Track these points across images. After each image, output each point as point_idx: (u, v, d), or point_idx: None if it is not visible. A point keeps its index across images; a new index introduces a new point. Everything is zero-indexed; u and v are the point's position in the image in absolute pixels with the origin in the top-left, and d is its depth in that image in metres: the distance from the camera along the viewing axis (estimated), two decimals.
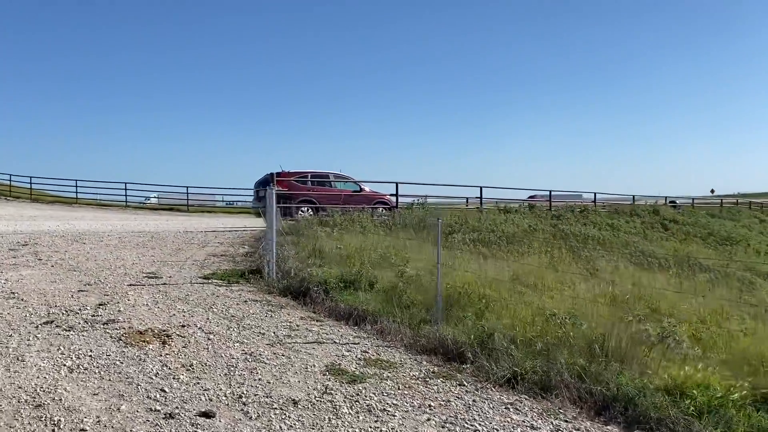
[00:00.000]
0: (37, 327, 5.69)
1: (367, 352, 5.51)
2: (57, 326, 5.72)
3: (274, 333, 5.92)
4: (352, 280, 7.95)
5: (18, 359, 4.76)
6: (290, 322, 6.43)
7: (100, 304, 6.67)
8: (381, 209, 19.92)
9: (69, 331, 5.58)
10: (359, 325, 6.53)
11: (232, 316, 6.48)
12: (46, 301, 6.78)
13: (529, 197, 37.69)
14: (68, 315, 6.16)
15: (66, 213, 26.78)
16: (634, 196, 31.74)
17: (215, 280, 8.52)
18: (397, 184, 20.03)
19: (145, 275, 8.74)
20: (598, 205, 27.91)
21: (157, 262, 10.15)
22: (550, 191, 27.37)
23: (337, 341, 5.81)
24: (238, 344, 5.46)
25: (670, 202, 34.63)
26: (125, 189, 34.84)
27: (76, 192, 34.72)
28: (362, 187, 20.39)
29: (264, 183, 19.84)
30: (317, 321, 6.57)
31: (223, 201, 42.00)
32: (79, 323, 5.86)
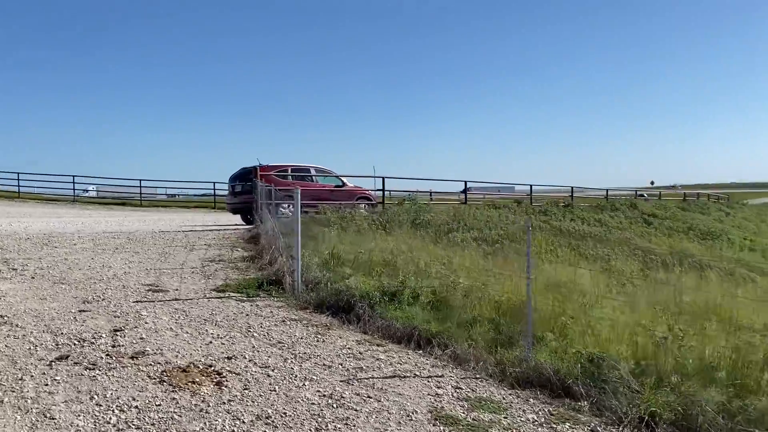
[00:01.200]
0: (50, 365, 4.59)
1: (460, 388, 4.65)
2: (75, 363, 4.64)
3: (341, 365, 4.99)
4: (393, 291, 7.05)
5: (44, 415, 3.71)
6: (348, 348, 5.49)
7: (116, 330, 5.58)
8: (364, 205, 18.97)
9: (93, 369, 4.52)
10: (424, 348, 5.64)
11: (279, 343, 5.50)
12: (47, 326, 5.64)
13: (464, 189, 36.90)
14: (83, 346, 5.06)
15: (12, 209, 24.88)
16: (572, 188, 31.30)
17: (232, 294, 7.47)
18: (384, 178, 19.13)
19: (146, 288, 7.62)
20: (548, 197, 27.60)
21: (150, 270, 9.00)
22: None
23: (418, 373, 4.92)
24: (308, 383, 4.51)
25: (639, 194, 34.87)
26: (73, 183, 32.84)
27: (18, 186, 32.53)
28: (344, 181, 19.37)
29: (240, 177, 18.60)
30: (378, 345, 5.65)
31: (165, 194, 40.30)
32: (102, 357, 4.79)
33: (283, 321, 6.28)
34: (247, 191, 17.95)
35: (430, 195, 26.48)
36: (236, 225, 17.98)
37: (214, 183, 34.52)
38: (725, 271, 14.69)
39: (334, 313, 6.69)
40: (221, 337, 5.54)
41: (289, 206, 17.69)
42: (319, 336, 5.81)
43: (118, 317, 6.08)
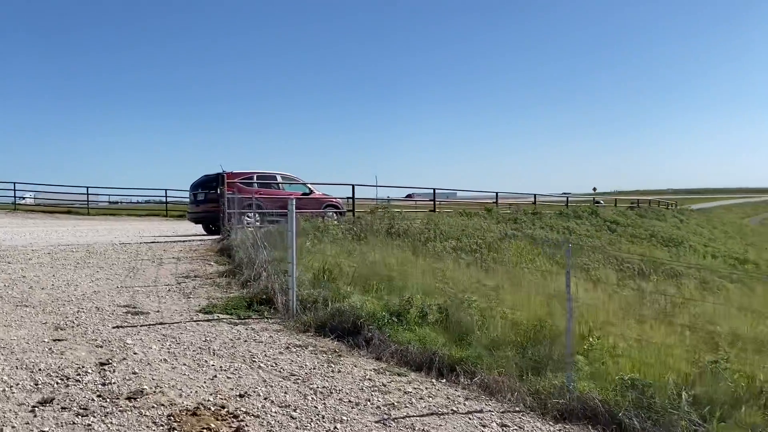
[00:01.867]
0: (33, 411, 3.91)
1: (506, 426, 4.18)
2: (63, 408, 3.97)
3: (368, 401, 4.45)
4: (398, 311, 6.54)
5: None
6: (369, 379, 4.96)
7: (102, 363, 4.89)
8: (332, 213, 18.39)
9: (86, 415, 3.86)
10: (447, 377, 5.17)
11: (292, 375, 4.91)
12: (19, 360, 4.91)
13: (407, 196, 36.65)
14: (68, 385, 4.38)
15: None
16: (535, 195, 31.35)
17: (221, 315, 6.82)
18: (353, 186, 18.59)
19: (124, 310, 6.89)
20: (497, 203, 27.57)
21: (121, 288, 8.25)
22: (434, 189, 25.83)
23: (455, 409, 4.43)
24: (339, 425, 3.96)
25: (595, 201, 35.36)
26: (14, 190, 31.09)
27: None
28: (311, 189, 18.73)
29: (202, 185, 17.75)
30: (399, 375, 5.14)
31: (108, 201, 38.70)
32: (93, 400, 4.12)
33: (288, 347, 5.69)
34: (211, 200, 17.12)
35: (388, 201, 26.12)
36: (199, 235, 17.14)
37: (166, 190, 33.24)
38: (699, 279, 14.74)
39: (340, 337, 6.13)
40: (225, 370, 4.92)
41: (255, 216, 16.99)
42: (332, 365, 5.25)
43: (101, 347, 5.38)
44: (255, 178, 17.81)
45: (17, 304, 7.05)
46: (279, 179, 18.34)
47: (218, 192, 17.13)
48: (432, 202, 21.91)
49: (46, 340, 5.54)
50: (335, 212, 18.58)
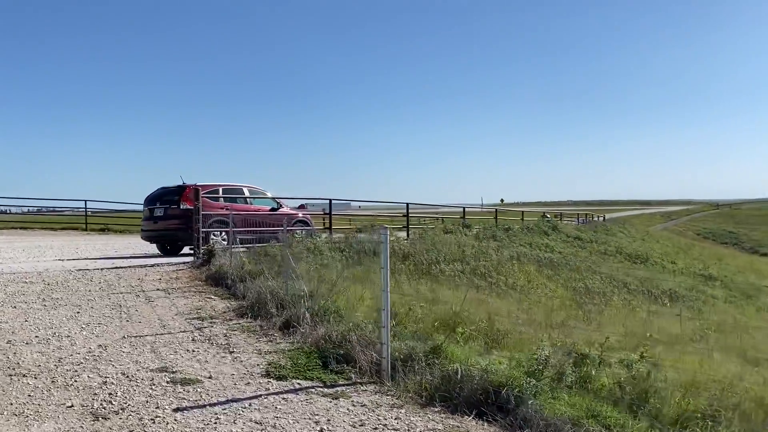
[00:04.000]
0: None
1: None
2: None
3: None
4: (531, 370, 5.19)
5: None
6: None
7: None
8: (301, 230, 16.72)
9: None
10: None
11: None
12: None
13: (299, 207, 34.63)
14: None
15: None
16: (497, 209, 30.51)
17: (300, 381, 5.20)
18: (330, 201, 17.01)
19: (163, 377, 5.14)
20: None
21: (131, 339, 6.44)
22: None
23: None
24: None
25: (542, 215, 35.11)
26: None
27: None
28: (280, 203, 16.97)
29: (160, 199, 15.59)
30: None
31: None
32: None
33: None
34: (171, 216, 15.03)
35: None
36: (154, 256, 15.06)
37: (86, 201, 30.01)
38: (701, 300, 14.30)
39: (479, 413, 4.70)
40: None
41: (221, 233, 15.10)
42: None
43: None
44: (221, 191, 15.88)
45: (8, 371, 5.16)
46: (246, 193, 16.48)
47: (180, 207, 15.11)
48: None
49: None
50: (305, 229, 16.94)
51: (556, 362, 5.33)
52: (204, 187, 15.27)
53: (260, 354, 6.01)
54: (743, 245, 75.18)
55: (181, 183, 15.56)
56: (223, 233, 15.10)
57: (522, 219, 28.31)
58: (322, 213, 21.38)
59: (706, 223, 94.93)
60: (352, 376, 5.43)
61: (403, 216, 19.66)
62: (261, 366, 5.58)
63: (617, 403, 4.86)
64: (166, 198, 15.39)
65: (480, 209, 46.23)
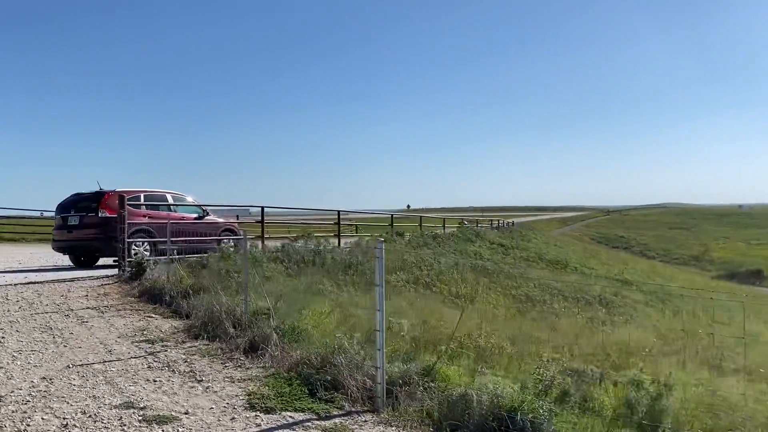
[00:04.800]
0: None
1: None
2: None
3: None
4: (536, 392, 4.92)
5: None
6: None
7: None
8: (228, 240, 15.85)
9: None
10: None
11: None
12: None
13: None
14: None
15: None
16: (421, 217, 30.71)
17: (292, 414, 4.64)
18: (262, 208, 16.25)
19: (133, 415, 4.46)
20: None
21: (78, 369, 5.67)
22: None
23: None
24: None
25: (460, 222, 35.47)
26: None
27: None
28: (206, 211, 16.01)
29: (75, 206, 14.29)
30: None
31: None
32: None
33: None
34: (88, 225, 13.81)
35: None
36: (66, 269, 13.79)
37: None
38: (629, 305, 14.75)
39: None
40: None
41: (143, 244, 14.04)
42: None
43: None
44: (143, 198, 14.75)
45: None
46: (170, 199, 15.41)
47: (98, 215, 13.91)
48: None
49: None
50: (233, 238, 16.09)
51: (558, 382, 5.11)
52: (125, 193, 14.15)
53: (233, 382, 5.41)
54: (633, 249, 79.78)
55: (98, 189, 14.38)
56: (146, 244, 14.08)
57: (444, 226, 28.50)
58: (237, 221, 20.39)
59: (599, 228, 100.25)
60: (344, 404, 4.95)
61: (335, 223, 19.14)
62: (240, 397, 5.00)
63: (626, 424, 4.68)
64: (81, 205, 14.14)
65: (407, 215, 46.25)
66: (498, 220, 50.06)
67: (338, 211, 18.65)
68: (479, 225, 36.60)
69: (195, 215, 15.70)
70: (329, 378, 5.30)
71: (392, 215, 28.88)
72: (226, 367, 5.93)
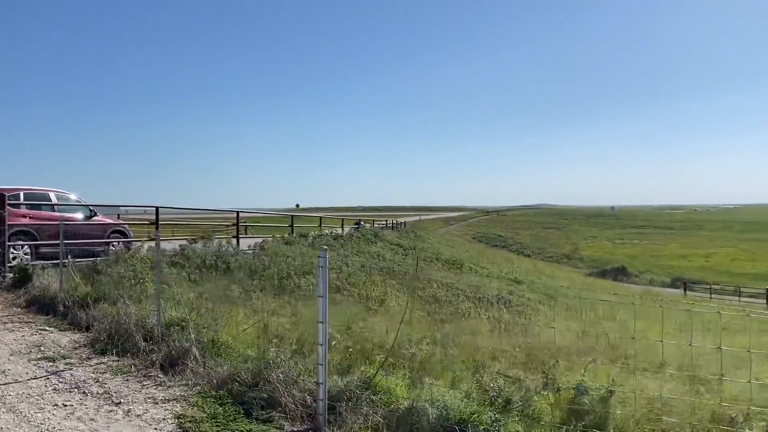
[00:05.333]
0: None
1: None
2: None
3: None
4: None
5: None
6: None
7: None
8: (118, 242, 14.79)
9: None
10: None
11: None
12: None
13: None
14: None
15: None
16: (323, 217, 30.42)
17: None
18: (157, 208, 15.27)
19: None
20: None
21: None
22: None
23: None
24: None
25: (355, 222, 35.39)
26: None
27: None
28: (93, 211, 14.82)
29: None
30: None
31: None
32: None
33: None
34: None
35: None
36: None
37: None
38: (527, 304, 15.30)
39: None
40: None
41: (23, 248, 12.81)
42: None
43: None
44: (22, 197, 13.40)
45: None
46: (53, 199, 14.12)
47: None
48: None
49: None
50: (123, 239, 15.03)
51: (503, 390, 5.09)
52: (4, 191, 12.80)
53: (157, 403, 4.95)
54: (510, 248, 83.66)
55: None
56: (26, 247, 12.84)
57: (342, 227, 28.31)
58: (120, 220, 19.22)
59: (479, 228, 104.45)
60: (284, 423, 4.67)
61: (233, 224, 18.41)
62: (169, 421, 4.57)
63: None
64: None
65: (297, 215, 45.45)
66: (393, 221, 50.69)
67: (237, 212, 17.97)
68: (375, 225, 36.85)
69: (82, 215, 14.54)
70: (265, 396, 4.98)
71: (293, 216, 28.23)
72: (144, 386, 5.43)
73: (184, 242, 15.21)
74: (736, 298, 38.65)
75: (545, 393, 5.16)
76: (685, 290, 43.60)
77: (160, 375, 5.73)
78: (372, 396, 4.97)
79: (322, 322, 4.79)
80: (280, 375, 5.10)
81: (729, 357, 7.02)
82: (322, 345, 4.77)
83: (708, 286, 44.73)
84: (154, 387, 5.41)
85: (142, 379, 5.64)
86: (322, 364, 4.76)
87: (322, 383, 4.75)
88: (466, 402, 4.77)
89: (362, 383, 5.16)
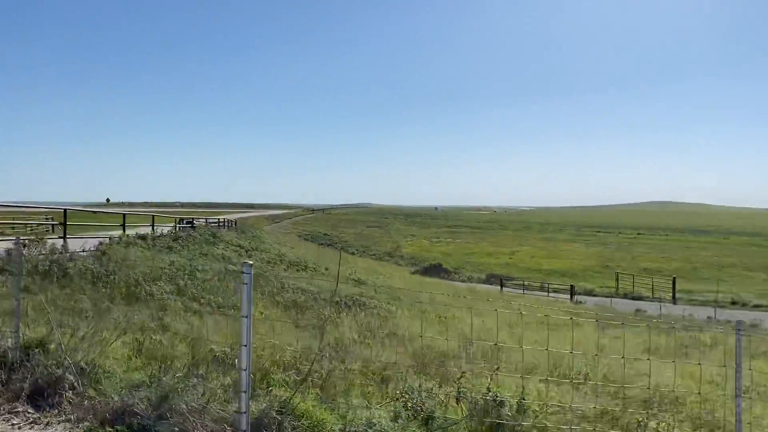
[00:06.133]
0: None
1: None
2: None
3: None
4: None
5: None
6: None
7: None
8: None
9: None
10: None
11: None
12: None
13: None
14: None
15: None
16: (158, 215, 27.81)
17: None
18: (65, 210, 13.18)
19: None
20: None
21: None
22: None
23: None
24: None
25: (187, 222, 33.27)
26: None
27: None
28: None
29: None
30: None
31: None
32: None
33: None
34: None
35: None
36: None
37: None
38: (381, 306, 15.44)
39: None
40: None
41: None
42: None
43: None
44: None
45: None
46: None
47: None
48: None
49: None
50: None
51: (426, 406, 5.00)
52: None
53: (41, 427, 4.19)
54: (336, 246, 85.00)
55: None
56: None
57: (176, 225, 26.51)
58: None
59: (305, 227, 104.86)
60: None
61: (53, 221, 16.38)
62: None
63: None
64: None
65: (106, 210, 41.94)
66: (225, 219, 48.81)
67: (65, 209, 16.00)
68: (204, 222, 35.15)
69: None
70: (177, 430, 4.42)
71: (124, 214, 25.05)
72: (13, 424, 4.57)
73: (9, 245, 13.28)
74: (545, 293, 42.43)
75: (459, 405, 5.18)
76: (501, 287, 47.06)
77: (29, 410, 4.85)
78: (294, 422, 4.63)
79: (245, 346, 4.36)
80: (192, 404, 4.56)
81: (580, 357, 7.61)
82: (245, 370, 4.34)
83: (521, 282, 48.68)
84: (27, 425, 4.57)
85: (7, 415, 4.74)
86: (245, 392, 4.33)
87: (245, 412, 4.33)
88: (401, 423, 4.62)
89: (280, 407, 4.80)
